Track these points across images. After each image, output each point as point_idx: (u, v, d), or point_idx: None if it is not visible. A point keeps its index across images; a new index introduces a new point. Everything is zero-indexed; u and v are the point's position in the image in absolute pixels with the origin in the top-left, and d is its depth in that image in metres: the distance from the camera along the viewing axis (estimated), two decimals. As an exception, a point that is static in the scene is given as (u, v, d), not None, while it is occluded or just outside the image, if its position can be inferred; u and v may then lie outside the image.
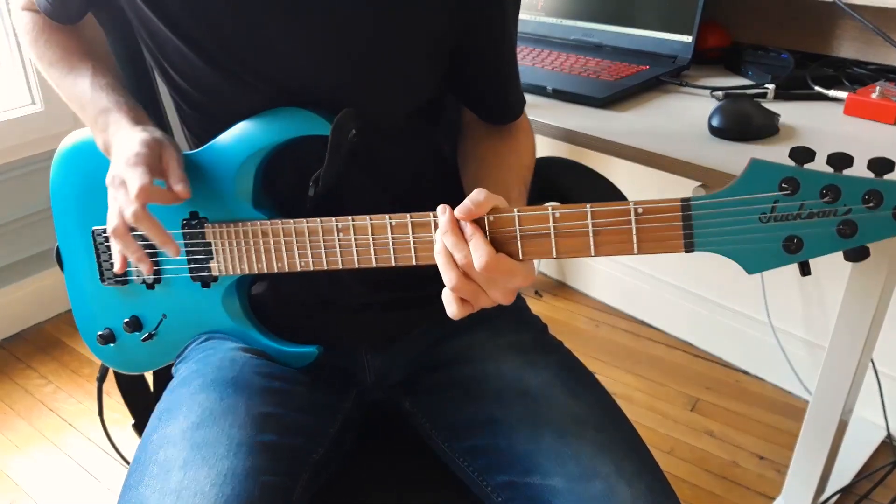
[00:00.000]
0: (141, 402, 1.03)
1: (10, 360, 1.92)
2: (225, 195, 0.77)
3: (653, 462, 0.75)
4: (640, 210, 0.61)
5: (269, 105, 0.75)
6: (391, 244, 0.70)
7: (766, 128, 1.00)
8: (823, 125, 1.04)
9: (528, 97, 1.15)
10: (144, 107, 0.88)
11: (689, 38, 1.23)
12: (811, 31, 1.27)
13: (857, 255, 0.58)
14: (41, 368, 1.89)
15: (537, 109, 1.10)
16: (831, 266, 1.53)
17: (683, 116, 1.08)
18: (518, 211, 0.64)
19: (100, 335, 0.89)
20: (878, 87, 1.06)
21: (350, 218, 0.71)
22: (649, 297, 2.01)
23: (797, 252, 0.58)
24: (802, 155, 0.57)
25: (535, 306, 1.72)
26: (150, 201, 0.72)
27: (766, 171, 0.57)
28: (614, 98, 1.12)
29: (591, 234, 0.63)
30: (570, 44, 1.36)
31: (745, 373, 1.84)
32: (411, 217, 0.69)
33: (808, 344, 1.72)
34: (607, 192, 0.96)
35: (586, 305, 2.12)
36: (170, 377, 0.87)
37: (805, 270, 0.59)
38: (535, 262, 2.20)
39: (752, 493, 1.51)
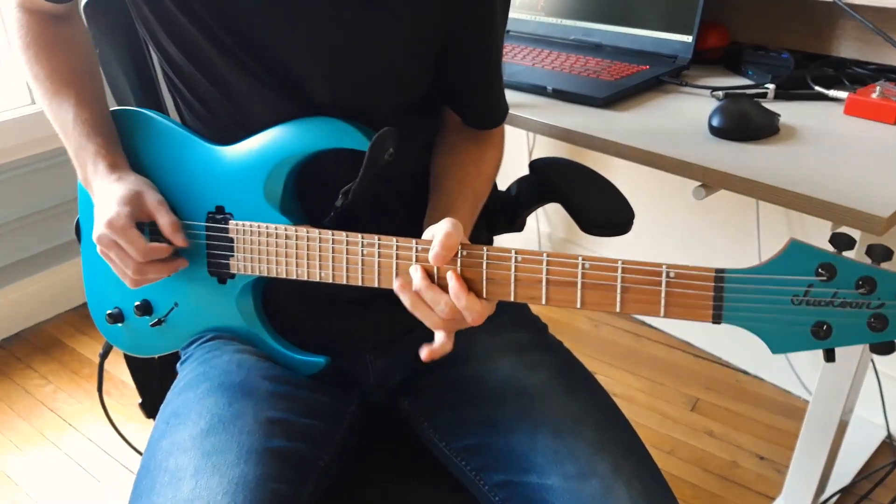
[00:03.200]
0: (150, 381, 1.03)
1: (9, 361, 1.92)
2: (253, 195, 0.77)
3: (651, 462, 0.74)
4: (671, 274, 0.60)
5: (270, 95, 0.75)
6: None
7: (767, 128, 1.00)
8: (824, 125, 1.04)
9: (529, 97, 1.16)
10: (148, 107, 0.88)
11: (689, 38, 1.23)
12: (811, 31, 1.27)
13: (884, 349, 0.56)
14: (41, 368, 1.89)
15: (537, 109, 1.10)
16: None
17: (683, 116, 1.08)
18: (547, 255, 0.64)
19: (109, 314, 0.89)
20: (878, 87, 1.06)
21: (376, 237, 0.71)
22: (649, 297, 2.01)
23: (825, 339, 0.57)
24: (842, 242, 0.56)
25: (535, 307, 1.72)
26: (151, 258, 0.76)
27: (803, 254, 0.56)
28: (614, 98, 1.12)
29: (618, 290, 0.62)
30: (570, 44, 1.36)
31: (745, 373, 1.84)
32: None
33: (809, 344, 1.72)
34: (608, 193, 0.96)
35: (586, 305, 2.12)
36: (174, 364, 0.87)
37: (829, 357, 0.58)
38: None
39: (752, 493, 1.51)
